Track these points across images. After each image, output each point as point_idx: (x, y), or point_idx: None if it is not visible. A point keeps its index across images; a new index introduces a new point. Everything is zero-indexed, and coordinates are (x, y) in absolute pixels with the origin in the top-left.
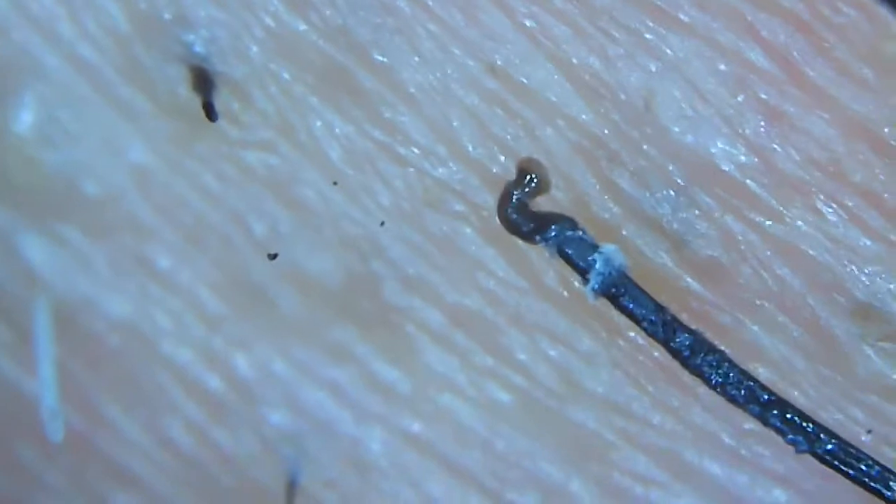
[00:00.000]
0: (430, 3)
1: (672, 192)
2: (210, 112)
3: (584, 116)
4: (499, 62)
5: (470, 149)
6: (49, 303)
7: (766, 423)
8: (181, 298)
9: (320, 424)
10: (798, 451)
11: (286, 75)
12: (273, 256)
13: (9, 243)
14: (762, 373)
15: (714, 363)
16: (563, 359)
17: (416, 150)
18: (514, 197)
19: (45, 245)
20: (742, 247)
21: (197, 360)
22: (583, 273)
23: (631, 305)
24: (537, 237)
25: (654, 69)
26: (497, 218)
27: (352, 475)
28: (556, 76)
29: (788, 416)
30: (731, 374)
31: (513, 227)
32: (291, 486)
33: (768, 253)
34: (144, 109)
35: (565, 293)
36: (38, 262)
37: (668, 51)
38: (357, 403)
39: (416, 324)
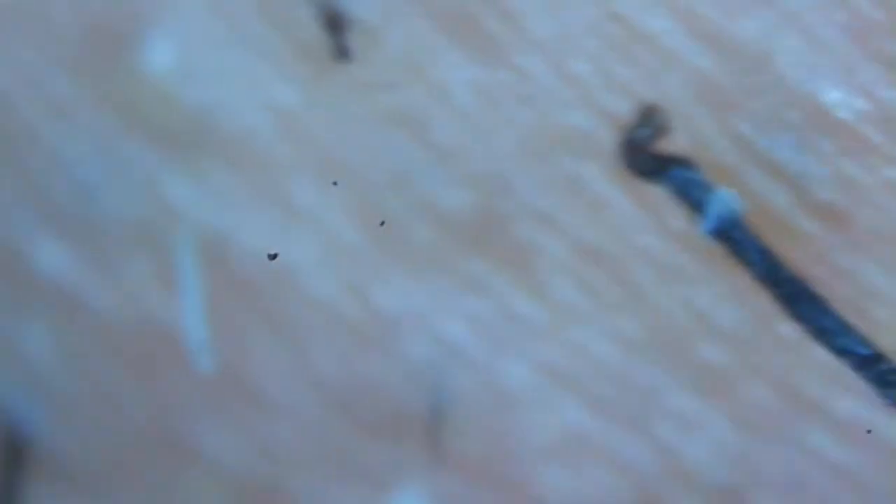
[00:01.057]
0: None
1: (791, 138)
2: (343, 52)
3: (703, 63)
4: (620, 9)
5: (593, 92)
6: (193, 237)
7: (862, 376)
8: (320, 232)
9: (460, 356)
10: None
11: (415, 18)
12: (273, 257)
13: (150, 180)
14: (880, 314)
15: (815, 312)
16: (689, 295)
17: (541, 93)
18: (636, 139)
19: (187, 181)
20: (860, 191)
21: (337, 292)
22: (698, 214)
23: (740, 248)
24: (656, 178)
25: (773, 19)
26: (619, 159)
27: (493, 406)
28: (676, 24)
29: (884, 371)
30: (831, 324)
31: (634, 168)
32: (435, 416)
33: (886, 196)
34: (278, 49)
35: (690, 232)
36: (181, 197)
37: (788, 1)
38: (495, 335)
39: (547, 259)
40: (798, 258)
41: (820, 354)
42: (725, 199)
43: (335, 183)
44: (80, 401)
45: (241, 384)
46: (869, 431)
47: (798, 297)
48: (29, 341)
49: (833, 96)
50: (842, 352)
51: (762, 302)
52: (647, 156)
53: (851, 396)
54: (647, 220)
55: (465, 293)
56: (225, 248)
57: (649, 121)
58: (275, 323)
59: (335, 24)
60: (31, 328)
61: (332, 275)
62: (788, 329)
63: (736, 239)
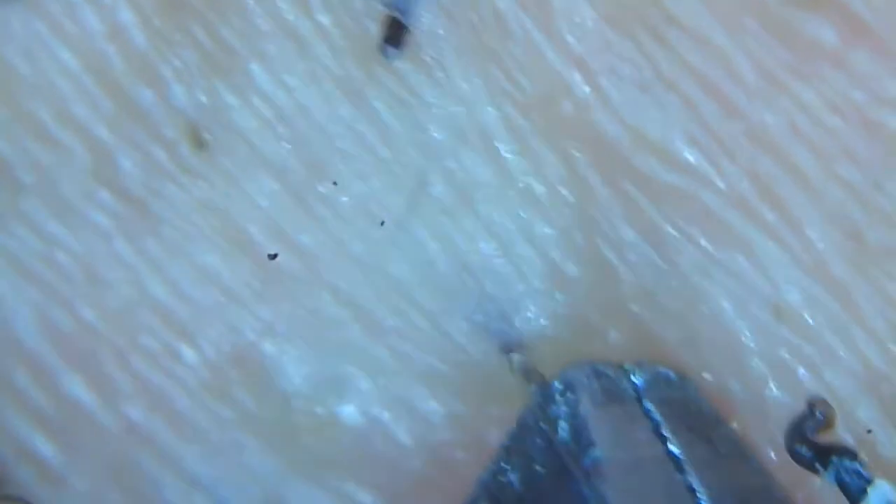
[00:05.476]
0: (715, 253)
1: None
2: None
3: (872, 359)
4: (783, 304)
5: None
6: None
7: None
8: None
9: None
10: None
11: None
12: (273, 256)
13: None
14: None
15: None
16: None
17: None
18: (802, 430)
19: None
20: None
21: None
22: None
23: None
24: (818, 466)
25: None
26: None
27: None
28: (841, 317)
29: None
30: None
31: (797, 457)
32: None
33: None
34: None
35: None
36: None
37: None
38: None
39: None
40: None
41: None
42: (883, 491)
43: (335, 183)
44: None
45: None
46: None
47: None
48: None
49: None
50: None
51: None
52: (810, 445)
53: None
54: None
55: None
56: None
57: (815, 413)
58: None
59: None
60: None
61: None
62: None
63: None
